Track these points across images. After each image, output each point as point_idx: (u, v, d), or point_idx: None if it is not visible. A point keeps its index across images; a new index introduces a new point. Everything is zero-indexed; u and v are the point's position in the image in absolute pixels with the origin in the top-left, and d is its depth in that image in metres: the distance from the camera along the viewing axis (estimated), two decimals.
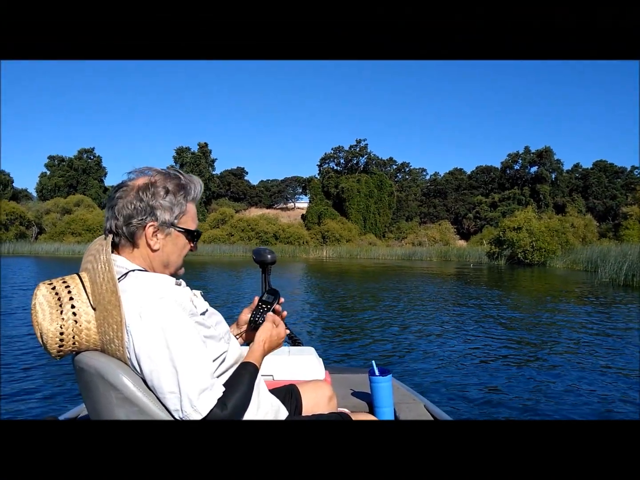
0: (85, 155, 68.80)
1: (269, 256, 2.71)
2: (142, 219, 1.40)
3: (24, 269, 25.06)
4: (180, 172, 1.51)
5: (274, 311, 1.73)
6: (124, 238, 1.42)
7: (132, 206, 1.39)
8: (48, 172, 67.17)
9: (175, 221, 1.46)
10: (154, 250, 1.45)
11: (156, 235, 1.44)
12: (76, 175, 65.82)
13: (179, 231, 1.47)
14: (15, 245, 47.39)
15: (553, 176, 63.21)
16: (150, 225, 1.42)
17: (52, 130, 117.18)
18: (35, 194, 69.23)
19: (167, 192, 1.43)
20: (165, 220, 1.43)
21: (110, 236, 1.42)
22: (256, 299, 1.78)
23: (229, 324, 1.71)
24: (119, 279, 1.36)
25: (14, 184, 69.58)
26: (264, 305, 1.73)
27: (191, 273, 23.17)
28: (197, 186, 1.52)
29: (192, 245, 1.54)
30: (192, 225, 1.51)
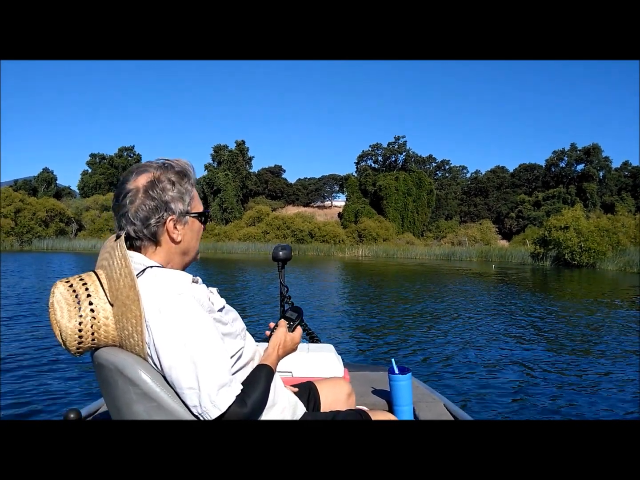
0: (125, 153, 70.11)
1: (280, 253, 2.75)
2: (160, 216, 1.41)
3: (56, 265, 25.18)
4: (169, 160, 1.49)
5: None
6: (146, 239, 1.42)
7: (147, 207, 1.39)
8: (89, 170, 68.54)
9: (189, 208, 1.47)
10: (177, 243, 1.46)
11: (176, 227, 1.44)
12: (116, 172, 66.96)
13: (193, 216, 1.49)
14: (54, 241, 48.33)
15: (601, 174, 60.62)
16: (170, 220, 1.42)
17: (96, 129, 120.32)
18: (77, 192, 70.70)
19: (172, 183, 1.43)
20: (181, 210, 1.44)
21: (124, 232, 1.40)
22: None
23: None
24: (137, 275, 1.36)
25: (57, 182, 71.28)
26: (286, 322, 1.70)
27: (220, 269, 22.82)
28: (190, 168, 1.51)
29: (204, 226, 1.56)
30: (200, 207, 1.52)
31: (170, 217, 1.42)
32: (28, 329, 8.15)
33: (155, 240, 1.43)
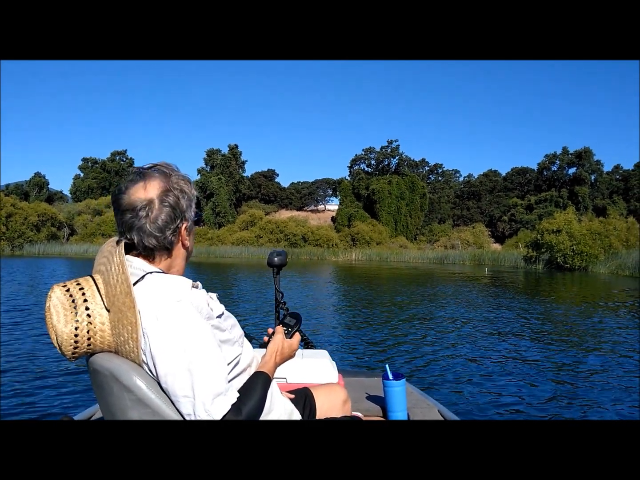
0: (118, 158, 69.87)
1: (275, 259, 2.74)
2: (176, 226, 1.40)
3: (47, 270, 24.99)
4: (161, 165, 1.45)
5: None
6: (162, 249, 1.41)
7: (165, 217, 1.38)
8: (82, 174, 68.23)
9: (193, 213, 1.47)
10: (187, 248, 1.48)
11: (187, 233, 1.46)
12: (109, 177, 66.72)
13: (194, 220, 1.49)
14: (46, 246, 48.00)
15: (592, 178, 60.93)
16: (184, 227, 1.43)
17: (88, 133, 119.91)
18: (69, 196, 70.35)
19: (182, 190, 1.43)
20: (192, 216, 1.46)
21: (124, 238, 1.38)
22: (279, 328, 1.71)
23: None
24: (136, 281, 1.35)
25: (49, 186, 70.92)
26: (284, 329, 1.68)
27: (214, 273, 22.75)
28: (180, 170, 1.49)
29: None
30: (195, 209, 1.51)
31: (184, 225, 1.43)
32: (19, 336, 8.07)
33: (169, 249, 1.42)
